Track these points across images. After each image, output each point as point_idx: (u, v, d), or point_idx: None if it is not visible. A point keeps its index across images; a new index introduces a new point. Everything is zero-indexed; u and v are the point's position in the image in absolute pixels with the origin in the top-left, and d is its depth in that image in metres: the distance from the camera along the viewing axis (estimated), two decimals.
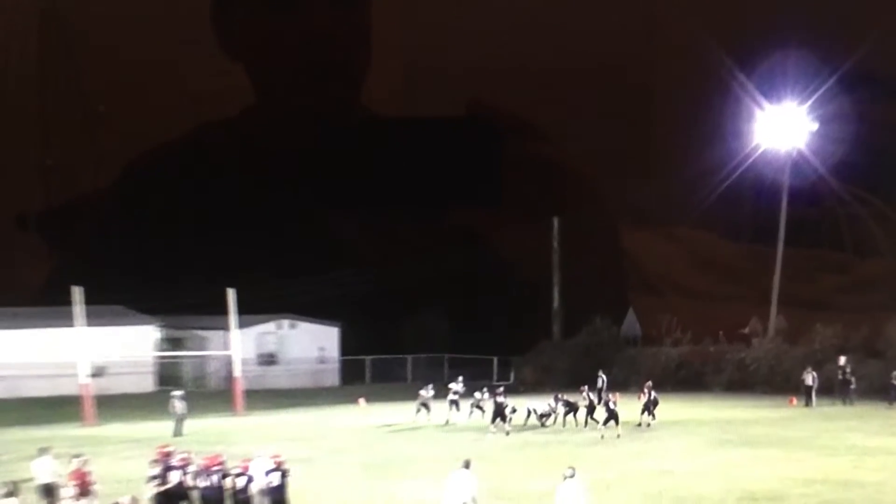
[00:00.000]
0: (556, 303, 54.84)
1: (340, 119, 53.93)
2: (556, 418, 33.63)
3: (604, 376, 39.28)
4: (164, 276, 49.13)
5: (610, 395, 32.94)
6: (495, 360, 56.13)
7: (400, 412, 37.36)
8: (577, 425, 32.69)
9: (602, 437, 30.04)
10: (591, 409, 32.48)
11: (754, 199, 49.29)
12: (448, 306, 59.35)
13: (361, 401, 41.62)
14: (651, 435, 31.49)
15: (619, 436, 29.86)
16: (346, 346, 54.20)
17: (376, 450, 28.01)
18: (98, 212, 50.02)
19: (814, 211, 48.28)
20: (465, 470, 16.66)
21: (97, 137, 54.20)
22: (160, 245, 50.65)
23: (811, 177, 46.02)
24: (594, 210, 49.90)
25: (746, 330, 47.96)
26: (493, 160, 50.68)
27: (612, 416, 30.29)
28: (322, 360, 53.72)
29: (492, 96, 50.97)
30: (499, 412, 31.70)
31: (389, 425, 34.31)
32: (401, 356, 55.49)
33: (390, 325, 59.12)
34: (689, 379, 48.92)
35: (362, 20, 54.09)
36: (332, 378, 54.26)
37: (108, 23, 50.99)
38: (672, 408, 36.51)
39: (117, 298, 43.53)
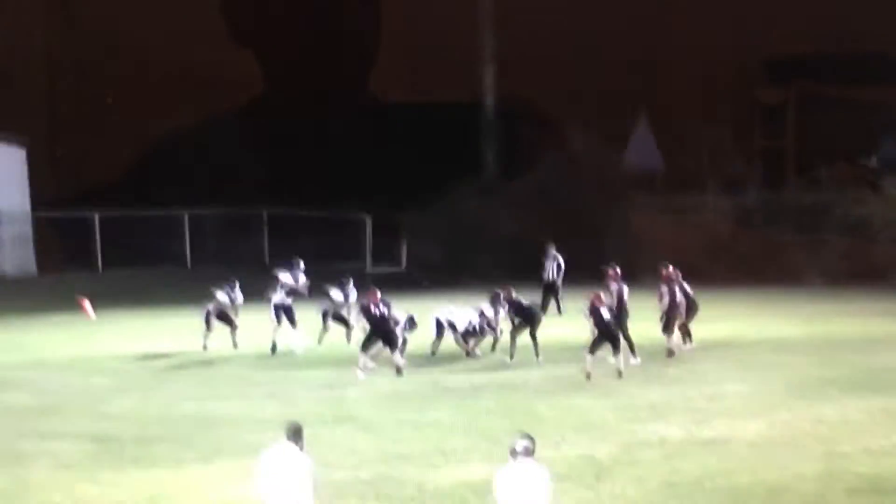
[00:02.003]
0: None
1: (350, 105, 53.66)
2: (495, 337, 25.38)
3: (556, 254, 31.88)
4: None
5: (601, 295, 23.48)
6: (368, 221, 44.56)
7: (171, 329, 29.51)
8: (536, 354, 24.33)
9: (588, 376, 22.36)
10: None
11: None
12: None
13: (86, 304, 30.40)
14: (685, 369, 23.57)
15: (620, 373, 22.39)
16: (43, 191, 45.59)
17: (125, 413, 20.74)
18: (108, 203, 46.50)
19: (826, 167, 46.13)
20: (291, 446, 12.41)
21: (106, 129, 53.62)
22: None
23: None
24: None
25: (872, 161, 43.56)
26: (502, 146, 48.20)
27: (607, 333, 22.50)
28: None
29: (504, 82, 48.65)
30: (382, 331, 23.25)
31: (152, 357, 26.28)
32: (168, 213, 44.48)
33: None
34: (757, 258, 40.42)
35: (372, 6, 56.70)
36: (19, 257, 42.73)
37: (115, 12, 52.72)
38: (725, 315, 29.60)
39: None
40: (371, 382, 23.28)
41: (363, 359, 23.83)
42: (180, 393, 22.70)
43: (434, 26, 53.62)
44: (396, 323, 24.13)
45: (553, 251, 32.53)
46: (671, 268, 26.19)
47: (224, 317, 27.16)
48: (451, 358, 25.56)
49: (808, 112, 50.87)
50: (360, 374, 23.52)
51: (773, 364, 24.77)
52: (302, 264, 27.76)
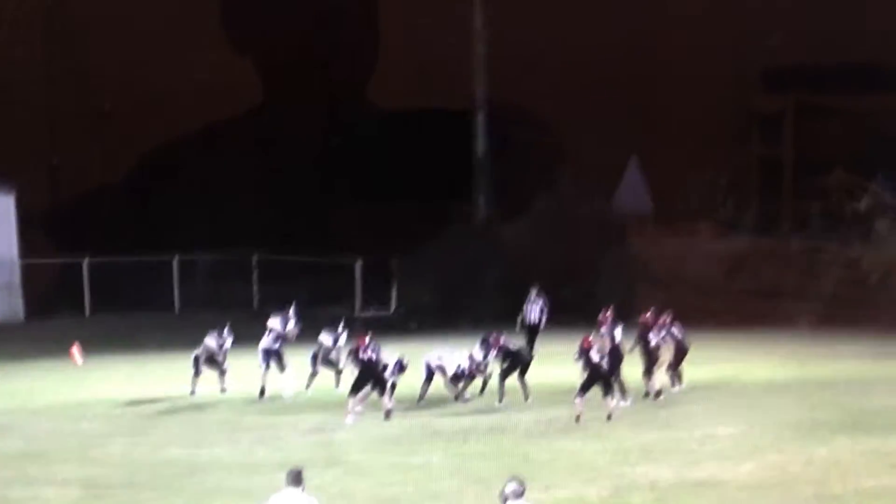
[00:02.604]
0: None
1: (349, 113, 53.38)
2: (484, 381, 25.44)
3: (541, 297, 31.71)
4: None
5: (598, 337, 23.95)
6: (358, 265, 43.68)
7: (159, 375, 29.36)
8: (525, 397, 24.64)
9: (577, 418, 22.42)
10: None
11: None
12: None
13: (75, 351, 29.89)
14: (675, 412, 23.78)
15: (610, 416, 22.55)
16: (34, 237, 44.76)
17: (113, 459, 20.44)
18: (105, 210, 49.82)
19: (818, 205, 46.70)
20: (293, 490, 12.83)
21: (103, 136, 52.99)
22: None
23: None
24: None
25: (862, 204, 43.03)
26: (500, 153, 48.68)
27: (598, 376, 22.49)
28: None
29: (501, 89, 49.46)
30: (371, 375, 23.11)
31: (141, 402, 26.05)
32: (160, 258, 44.03)
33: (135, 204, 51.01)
34: (749, 301, 40.62)
35: (370, 12, 55.48)
36: (6, 303, 42.33)
37: (114, 20, 52.21)
38: (716, 357, 29.96)
39: None
40: (360, 426, 23.15)
41: (352, 403, 23.73)
42: (168, 438, 22.54)
43: (427, 70, 52.29)
44: (385, 367, 23.97)
45: (536, 294, 32.59)
46: (650, 313, 26.32)
47: (213, 362, 26.99)
48: (440, 401, 25.43)
49: (805, 121, 50.74)
50: (349, 418, 23.42)
51: (765, 406, 24.75)
52: (293, 311, 27.65)
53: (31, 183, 46.88)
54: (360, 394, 23.82)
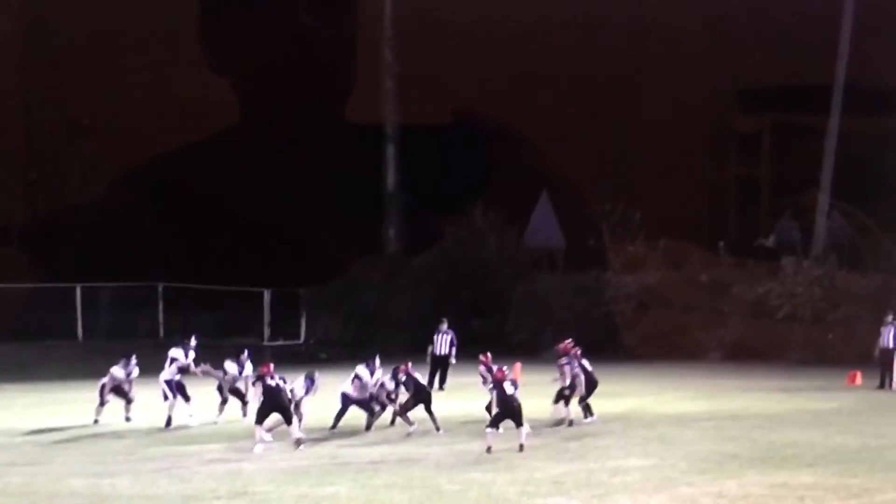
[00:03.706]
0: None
1: (327, 129, 53.71)
2: (394, 411, 25.16)
3: (449, 330, 31.66)
4: None
5: (504, 369, 23.29)
6: (267, 294, 43.62)
7: (61, 404, 28.69)
8: (436, 428, 24.50)
9: (489, 450, 22.04)
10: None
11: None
12: None
13: None
14: (587, 444, 23.42)
15: (522, 447, 22.22)
16: None
17: (12, 489, 19.81)
18: (82, 226, 49.08)
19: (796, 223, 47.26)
20: None
21: (82, 151, 53.42)
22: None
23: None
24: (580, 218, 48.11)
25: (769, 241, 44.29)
26: (480, 167, 50.62)
27: (506, 409, 22.24)
28: None
29: (480, 104, 52.05)
30: (276, 402, 22.69)
31: (42, 432, 25.40)
32: (62, 284, 43.56)
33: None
34: (658, 335, 41.00)
35: (348, 28, 56.38)
36: None
37: (93, 36, 52.40)
38: (625, 389, 30.26)
39: None
40: (268, 456, 22.74)
41: (259, 432, 23.36)
42: (70, 468, 21.94)
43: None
44: (291, 399, 23.64)
45: (445, 327, 32.47)
46: (571, 342, 26.34)
47: (119, 391, 26.63)
48: (350, 432, 25.12)
49: (782, 141, 51.70)
50: (257, 447, 23.01)
51: (675, 439, 24.66)
52: (194, 341, 27.35)
53: None
54: (268, 422, 23.50)
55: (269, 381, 23.53)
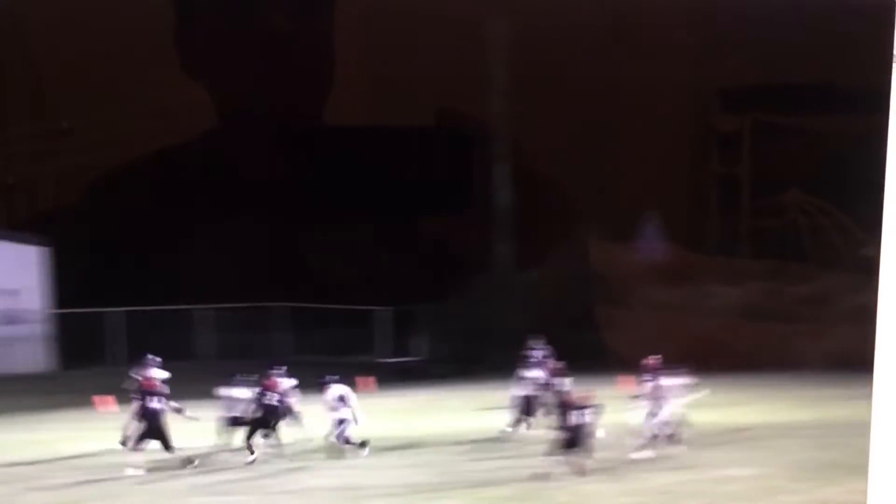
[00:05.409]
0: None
1: (305, 132, 54.11)
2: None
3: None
4: None
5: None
6: (379, 312, 43.97)
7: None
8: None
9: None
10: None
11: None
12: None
13: (110, 402, 28.98)
14: (689, 455, 23.23)
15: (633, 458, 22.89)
16: (67, 288, 42.65)
17: None
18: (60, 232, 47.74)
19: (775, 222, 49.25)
20: None
21: (60, 155, 53.40)
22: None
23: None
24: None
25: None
26: (463, 169, 51.39)
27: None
28: (10, 319, 40.70)
29: (462, 105, 51.93)
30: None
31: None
32: (182, 307, 42.96)
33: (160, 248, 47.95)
34: (758, 344, 40.55)
35: (326, 31, 55.89)
36: (37, 356, 40.83)
37: (71, 40, 51.62)
38: (726, 401, 29.51)
39: None
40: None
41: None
42: None
43: None
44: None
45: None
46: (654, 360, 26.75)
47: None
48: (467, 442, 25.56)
49: (763, 140, 51.32)
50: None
51: (778, 447, 24.65)
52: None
53: None
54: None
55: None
